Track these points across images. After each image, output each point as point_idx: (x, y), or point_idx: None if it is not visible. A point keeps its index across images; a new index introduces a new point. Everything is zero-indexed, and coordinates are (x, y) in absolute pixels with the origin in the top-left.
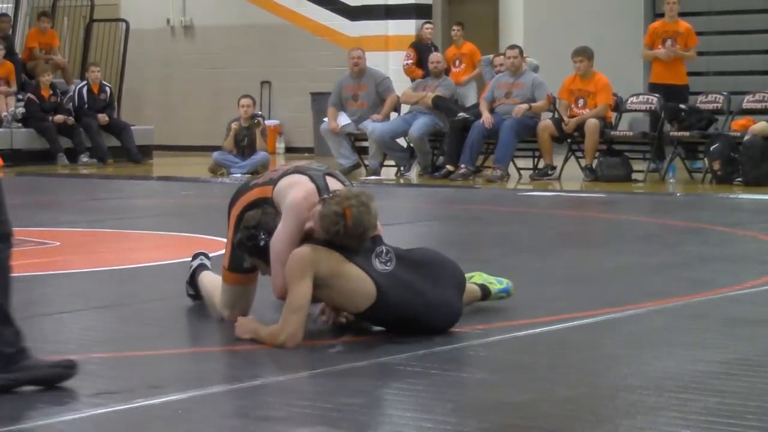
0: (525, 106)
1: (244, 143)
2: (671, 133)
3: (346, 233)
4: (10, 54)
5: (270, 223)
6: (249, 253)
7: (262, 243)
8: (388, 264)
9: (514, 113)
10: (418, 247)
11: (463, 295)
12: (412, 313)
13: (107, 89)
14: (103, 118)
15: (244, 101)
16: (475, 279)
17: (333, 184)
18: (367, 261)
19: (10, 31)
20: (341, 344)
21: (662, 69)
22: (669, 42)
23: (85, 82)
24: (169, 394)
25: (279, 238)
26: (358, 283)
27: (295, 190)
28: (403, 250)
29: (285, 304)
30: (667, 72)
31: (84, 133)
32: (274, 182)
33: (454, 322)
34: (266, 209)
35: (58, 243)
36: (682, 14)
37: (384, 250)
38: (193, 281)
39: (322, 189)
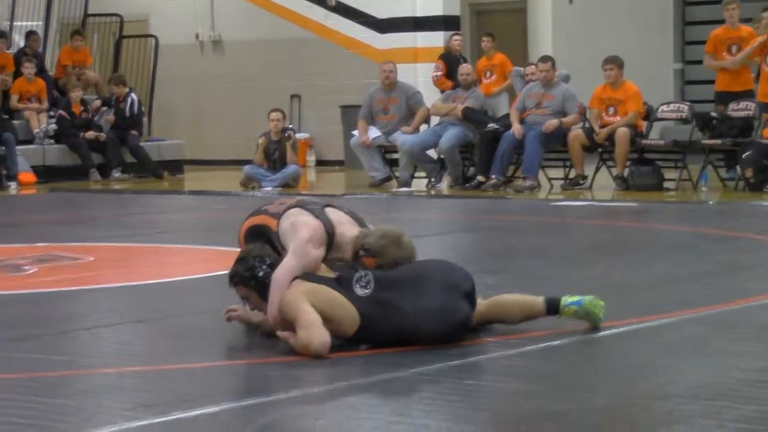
0: (555, 122)
1: (275, 156)
2: (703, 142)
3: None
4: (40, 71)
5: (268, 258)
6: (244, 283)
7: (260, 274)
8: (367, 287)
9: (544, 129)
10: (422, 260)
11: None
12: (398, 327)
13: (129, 99)
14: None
15: (274, 115)
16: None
17: (333, 215)
18: (349, 287)
19: (40, 48)
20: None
21: (728, 77)
22: (735, 48)
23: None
24: (204, 406)
25: (281, 272)
26: (344, 310)
27: (302, 230)
28: (380, 272)
29: (297, 329)
30: (733, 80)
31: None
32: (278, 216)
33: (457, 324)
34: (264, 245)
35: (93, 258)
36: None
37: (362, 275)
38: None
39: (326, 223)
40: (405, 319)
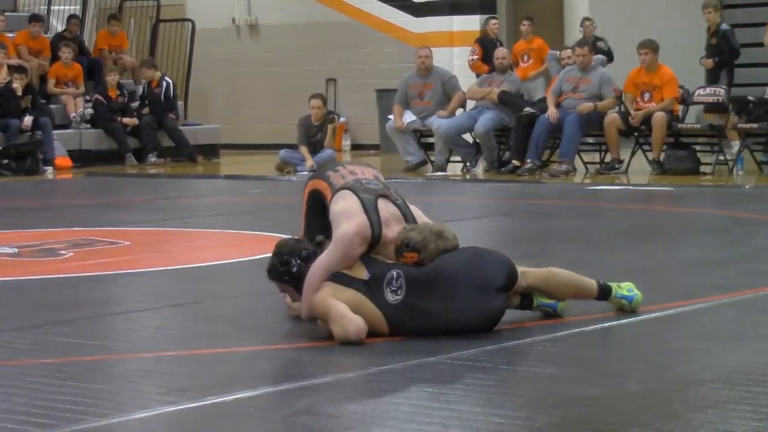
0: (591, 105)
1: (316, 139)
2: (739, 126)
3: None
4: (80, 54)
5: (303, 252)
6: (279, 278)
7: (294, 270)
8: (398, 292)
9: (579, 110)
10: (458, 253)
11: (506, 290)
12: (428, 329)
13: (163, 83)
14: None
15: (314, 102)
16: (621, 284)
17: (384, 207)
18: (379, 291)
19: (79, 32)
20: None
21: None
22: None
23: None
24: (240, 391)
25: (317, 269)
26: (374, 319)
27: (347, 223)
28: (415, 271)
29: (330, 323)
30: None
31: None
32: (333, 190)
33: (489, 320)
34: (300, 239)
35: (128, 242)
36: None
37: (395, 276)
38: None
39: (374, 224)
40: (436, 323)
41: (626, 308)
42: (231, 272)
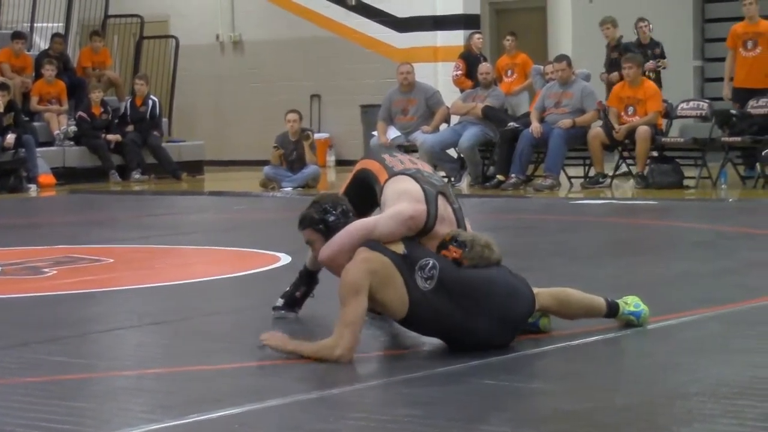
0: (569, 122)
1: (293, 157)
2: (722, 139)
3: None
4: (66, 70)
5: (344, 206)
6: (313, 226)
7: (331, 219)
8: (428, 282)
9: (559, 126)
10: (494, 273)
11: (520, 325)
12: (443, 333)
13: (149, 102)
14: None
15: (291, 116)
16: (627, 300)
17: (442, 205)
18: (411, 272)
19: (66, 50)
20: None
21: (746, 72)
22: (750, 44)
23: (129, 97)
24: (225, 408)
25: (361, 225)
26: (396, 294)
27: (408, 204)
28: (453, 270)
29: (339, 318)
30: (750, 76)
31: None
32: (391, 173)
33: (496, 347)
34: (341, 196)
35: (113, 260)
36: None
37: (429, 264)
38: None
39: (431, 216)
40: (451, 330)
41: (634, 324)
42: (215, 289)
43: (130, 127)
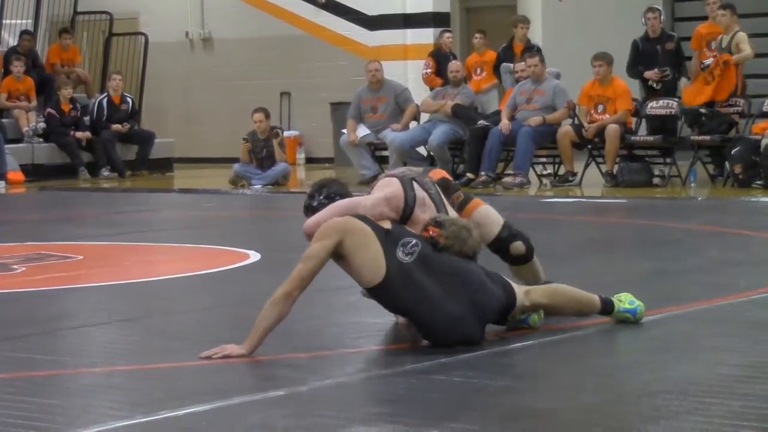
0: (539, 119)
1: (263, 155)
2: (692, 138)
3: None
4: (34, 67)
5: (330, 192)
6: (305, 212)
7: (314, 203)
8: (408, 257)
9: (528, 123)
10: (474, 265)
11: (486, 320)
12: (412, 313)
13: (129, 100)
14: (120, 127)
15: (257, 116)
16: (620, 297)
17: (419, 189)
18: (393, 246)
19: (36, 47)
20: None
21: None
22: (713, 44)
23: (105, 95)
24: (193, 405)
25: (346, 202)
26: (372, 261)
27: (386, 189)
28: (433, 254)
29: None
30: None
31: (102, 147)
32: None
33: (458, 342)
34: (342, 183)
35: (82, 257)
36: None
37: (412, 242)
38: None
39: (409, 198)
40: (423, 308)
41: (630, 320)
42: (183, 287)
43: (117, 126)
